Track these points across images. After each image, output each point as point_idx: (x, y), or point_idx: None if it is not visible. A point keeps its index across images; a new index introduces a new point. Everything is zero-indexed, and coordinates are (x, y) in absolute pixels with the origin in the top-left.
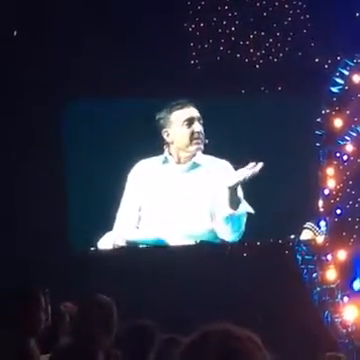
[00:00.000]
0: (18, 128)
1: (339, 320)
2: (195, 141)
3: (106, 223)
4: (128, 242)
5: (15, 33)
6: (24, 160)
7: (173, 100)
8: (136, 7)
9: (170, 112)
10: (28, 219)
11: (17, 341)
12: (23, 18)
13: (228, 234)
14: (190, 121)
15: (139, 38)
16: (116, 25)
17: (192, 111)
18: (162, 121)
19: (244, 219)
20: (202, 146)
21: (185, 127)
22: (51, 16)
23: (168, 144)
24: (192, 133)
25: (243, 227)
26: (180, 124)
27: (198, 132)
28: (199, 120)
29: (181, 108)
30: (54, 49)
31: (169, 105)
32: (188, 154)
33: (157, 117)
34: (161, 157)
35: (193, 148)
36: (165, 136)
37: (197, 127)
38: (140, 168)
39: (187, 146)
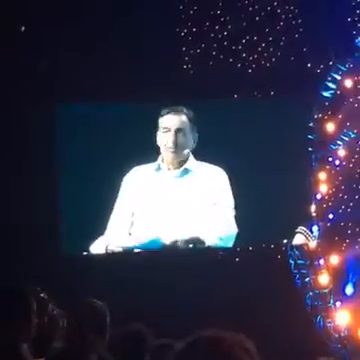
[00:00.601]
0: (10, 132)
1: (331, 325)
2: (166, 151)
3: (98, 228)
4: (122, 247)
5: (23, 29)
6: (16, 163)
7: (165, 105)
8: (129, 12)
9: (160, 117)
10: (20, 222)
11: (9, 346)
12: (22, 19)
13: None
14: (167, 130)
15: (131, 43)
16: (108, 30)
17: (173, 119)
18: (156, 125)
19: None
20: (173, 155)
21: (162, 135)
22: (48, 19)
23: (159, 149)
24: (166, 142)
25: (231, 241)
26: (161, 130)
27: (169, 144)
28: (178, 131)
29: (167, 114)
30: (48, 52)
31: (161, 110)
32: (174, 160)
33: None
34: (155, 164)
35: (169, 156)
36: (156, 140)
37: (170, 139)
38: (134, 174)
39: (166, 152)
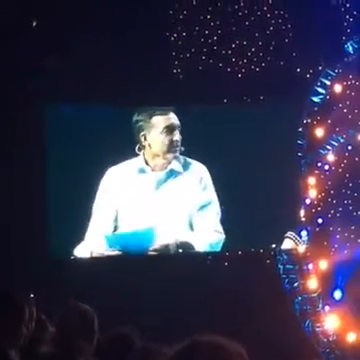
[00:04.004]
0: None
1: (320, 329)
2: (173, 149)
3: (86, 232)
4: (113, 238)
5: (34, 24)
6: (3, 165)
7: (154, 108)
8: (119, 15)
9: (151, 116)
10: (7, 225)
11: None
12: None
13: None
14: (170, 129)
15: (121, 46)
16: (98, 33)
17: (173, 119)
18: (141, 123)
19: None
20: (178, 154)
21: (165, 134)
22: (38, 21)
23: (144, 147)
24: (171, 141)
25: (219, 245)
26: (160, 130)
27: (177, 141)
28: (178, 128)
29: (162, 114)
30: (35, 53)
31: (150, 109)
32: (164, 161)
33: (135, 119)
34: (135, 162)
35: (170, 156)
36: (142, 139)
37: (176, 136)
38: (112, 176)
39: (164, 153)
